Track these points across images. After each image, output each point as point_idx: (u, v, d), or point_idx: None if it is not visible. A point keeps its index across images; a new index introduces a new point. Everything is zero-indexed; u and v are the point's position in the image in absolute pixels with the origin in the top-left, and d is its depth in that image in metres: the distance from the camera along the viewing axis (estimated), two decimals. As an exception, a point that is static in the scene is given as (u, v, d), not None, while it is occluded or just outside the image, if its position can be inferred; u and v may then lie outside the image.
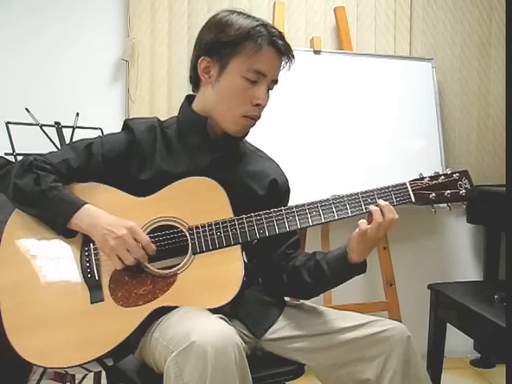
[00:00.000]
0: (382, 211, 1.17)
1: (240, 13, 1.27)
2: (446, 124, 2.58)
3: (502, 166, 2.57)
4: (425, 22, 2.59)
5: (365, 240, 1.18)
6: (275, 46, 1.24)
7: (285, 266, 1.32)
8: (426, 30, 2.59)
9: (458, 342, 2.26)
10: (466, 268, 2.69)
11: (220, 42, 1.24)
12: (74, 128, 2.12)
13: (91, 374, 1.93)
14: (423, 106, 2.45)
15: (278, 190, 1.37)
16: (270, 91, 1.29)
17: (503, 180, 2.25)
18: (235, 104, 1.25)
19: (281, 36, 1.26)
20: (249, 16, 1.27)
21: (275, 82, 1.29)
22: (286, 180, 1.41)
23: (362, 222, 1.18)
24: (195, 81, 1.32)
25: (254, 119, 1.28)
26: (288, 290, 1.37)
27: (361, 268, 1.22)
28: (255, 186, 1.33)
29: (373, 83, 2.40)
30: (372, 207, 1.18)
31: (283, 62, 1.28)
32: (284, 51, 1.26)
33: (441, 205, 1.25)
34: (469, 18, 2.61)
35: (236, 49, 1.22)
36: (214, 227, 1.20)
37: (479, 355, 2.59)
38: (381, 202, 1.19)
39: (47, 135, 2.02)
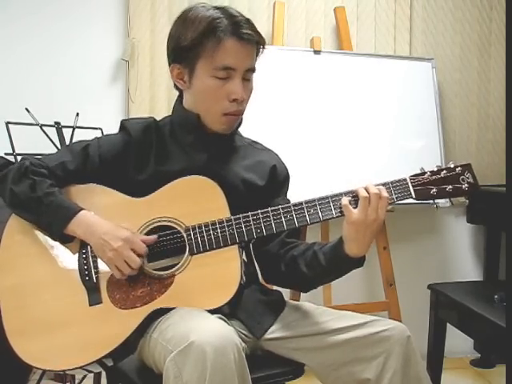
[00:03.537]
0: (367, 189, 1.14)
1: (202, 6, 1.23)
2: (446, 124, 2.57)
3: (502, 166, 2.57)
4: (425, 21, 2.59)
5: (355, 224, 1.12)
6: (237, 35, 1.18)
7: (283, 255, 1.29)
8: (426, 30, 2.59)
9: (457, 341, 2.26)
10: (466, 268, 2.69)
11: (181, 48, 1.21)
12: (73, 128, 2.12)
13: (91, 374, 1.93)
14: (423, 106, 2.44)
15: (278, 176, 1.36)
16: (252, 81, 1.26)
17: (503, 180, 2.25)
18: (212, 104, 1.23)
19: (245, 22, 1.20)
20: (210, 8, 1.22)
21: (251, 70, 1.24)
22: (286, 168, 1.40)
23: (344, 199, 1.15)
24: (176, 86, 1.31)
25: (236, 115, 1.26)
26: (285, 280, 1.33)
27: (356, 261, 1.17)
28: (254, 178, 1.32)
29: (373, 83, 2.40)
30: (358, 187, 1.15)
31: (253, 49, 1.23)
32: (248, 39, 1.20)
33: (442, 200, 1.22)
34: (469, 18, 2.61)
35: (198, 50, 1.20)
36: (210, 227, 1.18)
37: (479, 355, 2.58)
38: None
39: (47, 135, 2.02)
